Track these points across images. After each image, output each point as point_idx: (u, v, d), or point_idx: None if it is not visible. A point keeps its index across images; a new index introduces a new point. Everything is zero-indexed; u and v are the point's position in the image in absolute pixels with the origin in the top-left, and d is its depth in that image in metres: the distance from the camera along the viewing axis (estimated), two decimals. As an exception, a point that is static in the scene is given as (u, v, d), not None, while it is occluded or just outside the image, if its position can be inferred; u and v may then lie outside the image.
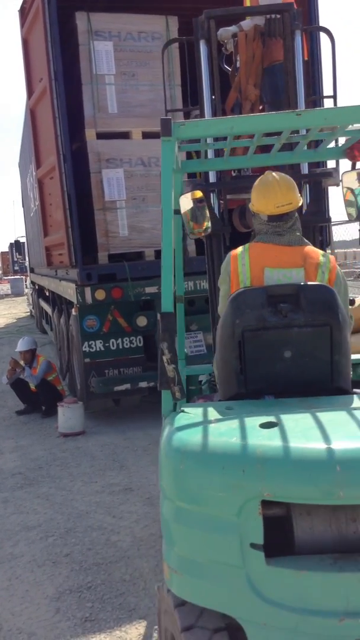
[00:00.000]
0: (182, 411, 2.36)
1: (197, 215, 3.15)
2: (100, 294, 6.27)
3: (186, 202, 3.18)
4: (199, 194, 3.16)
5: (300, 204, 2.83)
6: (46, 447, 6.16)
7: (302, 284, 2.56)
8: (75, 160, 6.37)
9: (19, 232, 56.41)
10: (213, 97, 3.98)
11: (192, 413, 2.33)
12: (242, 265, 2.69)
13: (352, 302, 4.80)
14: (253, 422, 2.10)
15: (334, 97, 4.84)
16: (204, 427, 2.16)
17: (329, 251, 7.36)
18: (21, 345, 7.61)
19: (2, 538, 4.22)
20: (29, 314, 20.37)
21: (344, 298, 2.67)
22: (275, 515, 1.94)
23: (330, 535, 1.93)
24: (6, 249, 36.44)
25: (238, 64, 4.30)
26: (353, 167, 3.19)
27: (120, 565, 3.69)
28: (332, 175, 3.68)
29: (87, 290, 6.24)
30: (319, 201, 3.86)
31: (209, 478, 1.98)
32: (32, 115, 7.82)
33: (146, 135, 6.56)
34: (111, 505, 4.58)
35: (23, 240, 20.94)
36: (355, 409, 2.22)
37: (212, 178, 3.82)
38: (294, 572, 1.86)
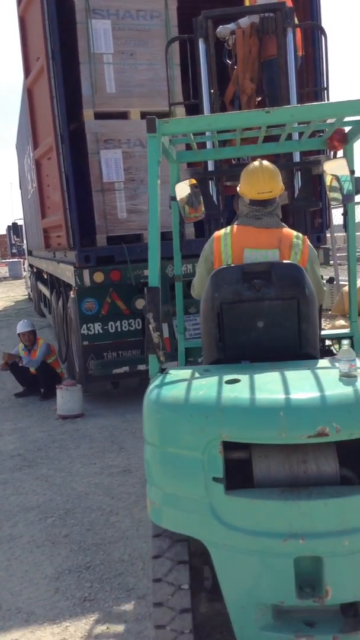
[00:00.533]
0: (167, 373, 2.76)
1: (193, 200, 3.47)
2: (99, 277, 6.24)
3: (181, 189, 3.48)
4: (193, 181, 3.49)
5: (281, 192, 3.14)
6: (45, 429, 6.17)
7: (273, 262, 2.91)
8: (73, 141, 6.30)
9: (16, 214, 56.08)
10: (212, 91, 4.27)
11: (175, 374, 2.74)
12: (224, 246, 3.05)
13: (331, 280, 5.03)
14: (221, 379, 2.51)
15: (326, 89, 5.23)
16: (180, 384, 2.58)
17: (328, 234, 7.36)
18: (21, 326, 7.60)
19: (1, 519, 4.24)
20: (27, 297, 20.33)
21: (315, 270, 3.09)
22: (239, 458, 2.37)
23: (284, 474, 2.32)
24: (4, 232, 36.25)
25: (236, 59, 4.57)
26: (334, 156, 3.50)
27: (119, 546, 3.72)
28: (320, 164, 3.82)
29: (86, 273, 6.21)
30: (308, 187, 4.15)
31: (179, 424, 2.40)
32: (29, 95, 7.72)
33: (145, 116, 6.42)
34: (110, 487, 4.60)
35: (21, 222, 20.80)
36: (311, 369, 2.58)
37: (210, 167, 4.18)
38: (248, 501, 2.28)
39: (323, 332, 3.57)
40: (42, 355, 7.39)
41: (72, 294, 6.77)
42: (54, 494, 4.56)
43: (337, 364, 2.50)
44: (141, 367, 6.43)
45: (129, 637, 2.89)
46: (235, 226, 3.12)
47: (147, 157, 2.91)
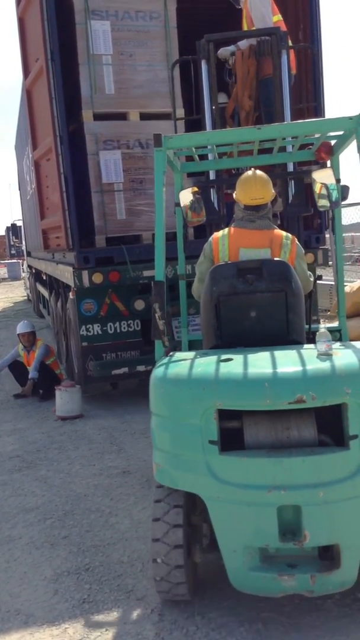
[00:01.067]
0: (171, 356, 3.15)
1: (195, 206, 3.80)
2: (98, 278, 6.23)
3: (185, 196, 3.82)
4: (196, 189, 3.85)
5: (272, 199, 3.55)
6: (44, 431, 6.16)
7: (264, 259, 3.32)
8: (72, 142, 6.30)
9: (15, 215, 56.08)
10: (213, 107, 4.74)
11: (177, 356, 3.14)
12: (222, 245, 3.46)
13: (319, 277, 5.45)
14: (216, 359, 2.92)
15: (318, 105, 5.88)
16: (182, 363, 2.99)
17: (327, 235, 7.43)
18: (21, 327, 7.60)
19: (0, 520, 4.23)
20: (26, 298, 20.32)
21: (301, 265, 3.50)
22: (233, 427, 2.77)
23: (270, 439, 2.74)
24: (2, 233, 36.23)
25: (236, 78, 5.07)
26: (323, 166, 3.89)
27: (118, 547, 3.71)
28: (309, 173, 4.16)
29: (85, 274, 6.20)
30: (301, 195, 4.58)
31: (180, 395, 2.82)
32: (28, 96, 7.72)
33: (144, 117, 6.48)
34: (109, 488, 4.59)
35: (20, 223, 20.81)
36: (294, 350, 2.99)
37: (212, 176, 4.67)
38: (239, 460, 2.70)
39: (314, 326, 3.92)
40: (40, 356, 7.38)
41: (71, 295, 6.76)
42: (53, 495, 4.55)
43: (316, 345, 2.89)
44: (140, 368, 6.42)
45: (128, 639, 2.88)
46: (231, 228, 3.52)
47: (154, 167, 3.32)
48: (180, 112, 6.56)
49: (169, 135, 3.37)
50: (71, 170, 6.19)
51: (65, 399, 6.46)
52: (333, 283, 10.06)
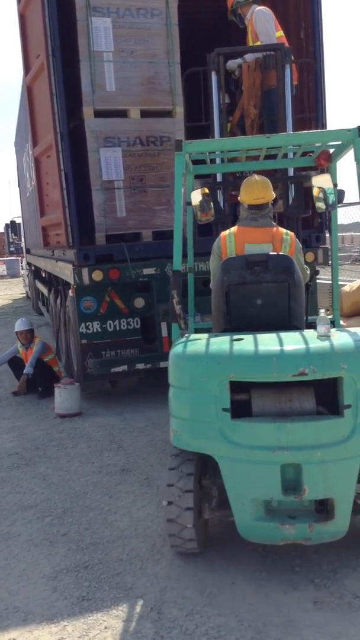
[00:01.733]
0: (186, 337, 3.55)
1: (204, 206, 4.17)
2: (98, 275, 6.21)
3: (196, 196, 4.19)
4: (206, 190, 4.22)
5: (273, 199, 3.97)
6: (43, 428, 6.15)
7: (270, 253, 3.73)
8: (73, 139, 6.27)
9: (14, 212, 55.97)
10: (221, 115, 5.12)
11: (192, 337, 3.54)
12: (229, 242, 3.90)
13: (317, 272, 5.79)
14: (228, 339, 3.32)
15: (319, 115, 6.22)
16: (197, 342, 3.42)
17: (328, 235, 7.47)
18: (19, 325, 7.59)
19: (-1, 517, 4.23)
20: (25, 295, 20.30)
21: (300, 259, 3.91)
22: (243, 399, 3.17)
23: (274, 409, 3.15)
24: (1, 230, 36.16)
25: (242, 88, 5.49)
26: (321, 172, 4.27)
27: (117, 545, 3.71)
28: (310, 178, 4.57)
29: (85, 271, 6.18)
30: (300, 197, 4.92)
31: (198, 369, 3.23)
32: (28, 92, 7.69)
33: (144, 114, 6.46)
34: (108, 486, 4.59)
35: (19, 220, 20.76)
36: (296, 333, 3.43)
37: (219, 178, 5.01)
38: (248, 424, 3.12)
39: (310, 318, 4.24)
40: (38, 354, 7.37)
41: (70, 293, 6.75)
42: (52, 493, 4.55)
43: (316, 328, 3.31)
44: (139, 366, 6.41)
45: (126, 637, 2.88)
46: (237, 227, 3.98)
47: (175, 169, 3.86)
48: (180, 110, 6.57)
49: (188, 141, 3.84)
50: (71, 167, 6.17)
51: (64, 396, 6.45)
52: (332, 282, 10.09)
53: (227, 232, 3.98)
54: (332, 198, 4.01)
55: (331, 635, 2.79)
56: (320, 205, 4.05)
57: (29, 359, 7.37)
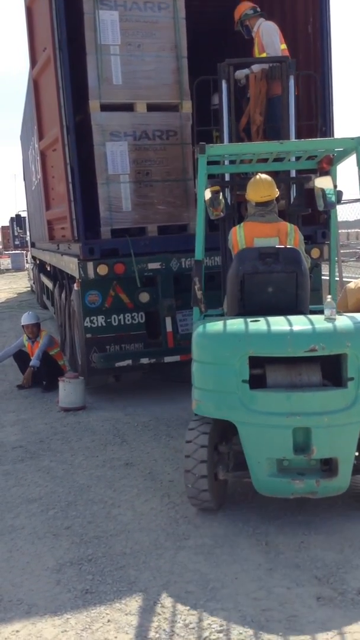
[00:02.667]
0: (205, 317, 4.15)
1: (215, 203, 4.51)
2: (103, 269, 6.20)
3: (207, 194, 4.50)
4: (216, 188, 4.59)
5: (277, 196, 4.49)
6: (47, 422, 6.17)
7: (280, 246, 4.26)
8: (79, 133, 6.26)
9: (20, 206, 55.98)
10: (230, 122, 5.46)
11: (212, 320, 4.04)
12: (239, 236, 4.39)
13: (318, 265, 6.84)
14: (245, 320, 3.81)
15: (326, 122, 6.49)
16: (219, 322, 3.94)
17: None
18: (26, 319, 7.60)
19: (3, 510, 4.24)
20: (29, 289, 20.32)
21: (302, 252, 4.32)
22: (260, 373, 3.65)
23: (286, 382, 3.64)
24: (7, 224, 36.19)
25: (248, 95, 5.93)
26: (324, 174, 4.62)
27: (121, 539, 3.71)
28: (310, 179, 5.04)
29: (90, 265, 6.18)
30: (301, 197, 5.34)
31: (221, 345, 3.75)
32: (35, 85, 7.68)
33: (151, 108, 6.44)
34: (112, 480, 4.60)
35: (24, 214, 20.76)
36: (305, 316, 3.89)
37: (227, 178, 5.32)
38: (264, 394, 3.61)
39: (311, 307, 4.57)
40: (44, 347, 7.38)
41: (75, 287, 6.75)
42: (56, 486, 4.56)
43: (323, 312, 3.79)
44: (144, 360, 6.41)
45: (130, 630, 2.89)
46: (245, 223, 4.47)
47: (198, 170, 4.36)
48: (187, 104, 6.55)
49: (210, 144, 4.37)
50: (77, 161, 6.15)
51: (69, 390, 6.46)
52: (337, 279, 10.08)
53: (237, 227, 4.43)
54: (331, 198, 4.44)
55: (334, 631, 2.79)
56: (321, 203, 4.44)
57: (35, 352, 7.39)
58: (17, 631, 2.95)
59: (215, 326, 3.89)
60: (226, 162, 5.04)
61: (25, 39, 7.78)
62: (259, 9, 6.40)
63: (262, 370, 3.67)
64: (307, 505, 3.97)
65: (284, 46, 6.21)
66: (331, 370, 3.67)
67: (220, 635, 2.80)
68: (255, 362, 3.63)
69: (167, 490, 4.35)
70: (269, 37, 6.13)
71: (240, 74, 5.80)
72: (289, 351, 3.57)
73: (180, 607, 3.03)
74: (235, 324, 3.84)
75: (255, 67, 5.87)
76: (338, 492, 3.66)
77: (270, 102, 5.91)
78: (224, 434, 3.88)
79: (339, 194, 4.58)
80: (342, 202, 5.06)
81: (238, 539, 3.62)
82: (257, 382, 3.63)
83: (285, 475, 3.60)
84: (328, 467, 3.64)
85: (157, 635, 2.83)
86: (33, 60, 7.59)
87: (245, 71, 5.89)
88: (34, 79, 7.67)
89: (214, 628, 2.85)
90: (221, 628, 2.84)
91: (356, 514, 3.85)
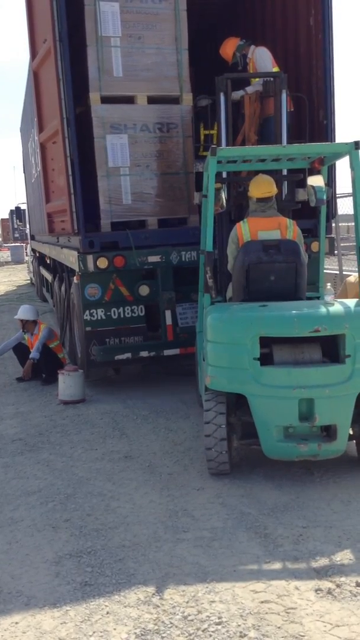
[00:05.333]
0: (217, 306, 4.61)
1: (216, 198, 4.84)
2: (103, 262, 6.19)
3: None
4: (218, 185, 4.94)
5: (276, 193, 4.96)
6: (46, 414, 6.17)
7: (281, 239, 4.77)
8: (79, 125, 6.23)
9: (19, 198, 55.83)
10: (228, 135, 5.86)
11: (223, 305, 4.69)
12: (244, 230, 4.84)
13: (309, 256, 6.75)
14: (254, 305, 4.33)
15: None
16: (231, 307, 4.51)
17: (334, 224, 7.56)
18: (21, 313, 7.58)
19: (2, 502, 4.25)
20: (29, 281, 20.30)
21: (301, 244, 4.83)
22: (267, 353, 4.15)
23: (291, 359, 4.17)
24: (6, 216, 36.10)
25: (242, 111, 6.27)
26: (317, 173, 5.13)
27: (120, 531, 3.72)
28: (299, 177, 5.74)
29: (90, 258, 6.16)
30: (291, 193, 5.94)
31: (234, 327, 4.22)
32: (35, 77, 7.63)
33: (151, 100, 6.42)
34: (111, 472, 4.61)
35: (24, 207, 20.70)
36: (307, 302, 4.59)
37: (224, 175, 5.67)
38: (273, 369, 4.13)
39: (307, 294, 5.05)
40: (43, 339, 7.37)
41: (75, 280, 6.74)
42: (55, 479, 4.57)
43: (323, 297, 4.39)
44: (143, 353, 6.41)
45: (128, 622, 2.90)
46: (249, 218, 4.91)
47: (209, 170, 4.79)
48: (187, 97, 6.52)
49: (221, 147, 4.98)
50: (77, 154, 6.13)
51: (68, 383, 6.46)
52: (337, 272, 10.07)
53: (241, 223, 4.87)
54: (322, 195, 4.83)
55: (332, 624, 2.80)
56: (313, 200, 4.83)
57: (35, 345, 7.38)
58: (16, 623, 2.96)
59: (229, 310, 4.39)
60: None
61: (25, 30, 7.74)
62: (245, 40, 6.71)
63: (269, 350, 4.15)
64: (305, 498, 3.98)
65: (276, 69, 6.45)
66: (329, 349, 4.20)
67: (219, 627, 2.81)
68: (263, 342, 4.10)
69: (166, 483, 4.36)
70: (263, 62, 6.47)
71: (236, 95, 6.14)
72: (296, 332, 4.07)
73: (178, 599, 3.04)
74: (247, 308, 4.32)
75: (250, 89, 6.26)
76: (336, 454, 4.16)
77: (264, 121, 6.27)
78: (232, 407, 4.32)
79: (328, 192, 5.14)
80: (343, 195, 5.66)
81: (237, 532, 3.63)
82: (265, 360, 4.12)
83: (291, 441, 4.10)
84: (327, 433, 4.17)
85: (156, 627, 2.84)
86: (33, 52, 7.54)
87: (241, 92, 6.23)
88: (34, 70, 7.63)
89: (212, 620, 2.86)
90: (219, 620, 2.85)
91: (355, 506, 3.86)
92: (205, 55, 8.79)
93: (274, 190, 4.87)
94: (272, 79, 6.05)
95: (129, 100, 6.39)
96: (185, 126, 6.51)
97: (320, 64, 6.59)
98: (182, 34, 6.42)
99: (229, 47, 6.77)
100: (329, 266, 10.65)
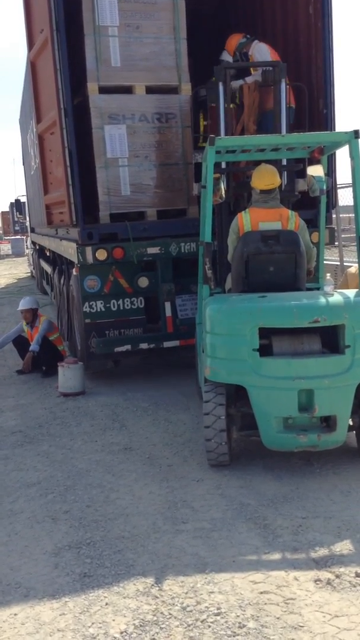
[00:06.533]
0: (215, 297, 4.60)
1: (215, 189, 4.84)
2: (102, 254, 6.16)
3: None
4: (216, 175, 4.93)
5: (279, 184, 4.91)
6: (46, 407, 6.17)
7: (280, 230, 4.69)
8: (77, 116, 6.19)
9: (19, 191, 55.71)
10: (226, 123, 5.79)
11: (221, 296, 4.64)
12: (245, 220, 4.79)
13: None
14: (253, 296, 4.31)
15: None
16: (229, 298, 4.47)
17: (334, 215, 7.55)
18: (23, 304, 7.58)
19: (2, 494, 4.25)
20: (29, 274, 20.28)
21: (305, 236, 4.81)
22: (267, 344, 4.13)
23: (290, 350, 4.15)
24: (7, 209, 36.04)
25: (243, 106, 6.24)
26: (316, 163, 5.20)
27: (119, 523, 3.72)
28: (299, 168, 5.79)
29: (88, 250, 6.14)
30: (291, 183, 5.86)
31: (234, 318, 4.19)
32: (32, 68, 7.58)
33: (150, 90, 6.37)
34: (111, 464, 4.60)
35: (24, 199, 20.65)
36: (306, 292, 4.57)
37: (223, 165, 5.63)
38: (272, 360, 4.11)
39: (307, 285, 5.03)
40: (43, 332, 7.36)
41: (74, 272, 6.72)
42: (55, 471, 4.56)
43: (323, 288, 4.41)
44: (143, 345, 6.40)
45: (127, 613, 2.90)
46: (251, 209, 4.87)
47: (207, 160, 4.78)
48: (186, 86, 6.47)
49: (219, 137, 4.86)
50: (75, 145, 6.08)
51: (68, 375, 6.45)
52: (338, 263, 10.04)
53: (242, 213, 4.83)
54: (322, 185, 4.87)
55: (331, 614, 2.79)
56: (314, 189, 4.87)
57: (35, 337, 7.37)
58: (15, 614, 2.96)
59: (228, 301, 4.36)
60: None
61: (22, 20, 7.67)
62: (249, 35, 6.62)
63: (268, 341, 4.13)
64: (305, 489, 3.98)
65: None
66: (328, 340, 4.19)
67: (218, 618, 2.81)
68: (262, 333, 4.07)
69: (166, 474, 4.36)
70: (261, 57, 6.41)
71: (235, 84, 6.09)
72: (296, 322, 4.05)
73: (177, 590, 3.03)
74: (246, 299, 4.29)
75: (249, 79, 6.21)
76: (336, 445, 4.15)
77: (263, 115, 6.23)
78: (231, 398, 4.28)
79: (328, 181, 5.13)
80: (344, 185, 5.65)
81: (236, 523, 3.62)
82: (264, 351, 4.10)
83: (291, 431, 4.09)
84: (326, 423, 4.15)
85: (155, 618, 2.84)
86: (30, 42, 7.49)
87: (240, 82, 6.16)
88: (31, 61, 7.57)
89: (211, 611, 2.86)
90: (218, 611, 2.85)
91: (354, 497, 3.85)
92: (204, 45, 8.73)
93: (277, 181, 4.82)
94: (271, 68, 5.95)
95: (127, 90, 6.34)
96: (184, 116, 6.46)
97: (319, 53, 6.53)
98: (181, 23, 6.36)
99: (231, 43, 6.70)
100: (331, 257, 10.63)
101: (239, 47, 6.61)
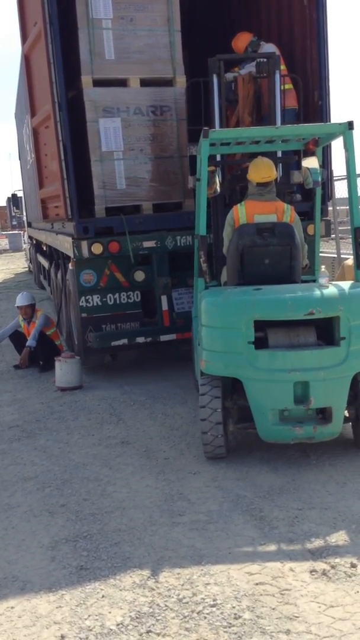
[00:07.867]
0: (211, 290, 4.63)
1: (210, 182, 4.92)
2: (97, 248, 6.15)
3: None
4: (211, 168, 4.95)
5: (276, 177, 4.88)
6: (44, 401, 6.17)
7: (275, 222, 4.68)
8: (71, 109, 6.16)
9: (16, 185, 55.64)
10: (221, 117, 5.77)
11: (217, 289, 4.67)
12: (241, 213, 4.77)
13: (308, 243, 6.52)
14: (248, 289, 4.31)
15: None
16: (225, 291, 4.49)
17: (330, 208, 7.54)
18: (20, 300, 7.56)
19: (-1, 489, 4.26)
20: (27, 269, 20.24)
21: (299, 229, 4.84)
22: (262, 336, 4.13)
23: (285, 343, 4.16)
24: (3, 204, 35.94)
25: (238, 98, 6.26)
26: (311, 155, 5.23)
27: (116, 516, 3.73)
28: (295, 160, 5.77)
29: (84, 244, 6.12)
30: (286, 175, 5.73)
31: (229, 311, 4.20)
32: (26, 61, 7.55)
33: (144, 83, 6.34)
34: (108, 458, 4.61)
35: (20, 194, 20.61)
36: (301, 285, 4.55)
37: (218, 158, 5.59)
38: (268, 353, 4.12)
39: (302, 277, 5.07)
40: (40, 327, 7.36)
41: (70, 266, 6.70)
42: (52, 465, 4.57)
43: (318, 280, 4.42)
44: (140, 339, 6.39)
45: (124, 605, 2.91)
46: (247, 201, 4.84)
47: (202, 153, 4.73)
48: (181, 79, 6.45)
49: (213, 129, 4.88)
50: (70, 138, 6.06)
51: (65, 370, 6.46)
52: (335, 256, 10.03)
53: (238, 205, 4.80)
54: (317, 177, 4.91)
55: (327, 605, 2.81)
56: (309, 181, 4.91)
57: (32, 332, 7.37)
58: (12, 607, 2.97)
59: (223, 294, 4.38)
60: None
61: (16, 13, 7.64)
62: (257, 37, 6.68)
63: (263, 333, 4.13)
64: (301, 480, 3.99)
65: (283, 67, 6.26)
66: (324, 332, 4.20)
67: (214, 609, 2.82)
68: (257, 326, 4.08)
69: (163, 467, 4.36)
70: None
71: (229, 76, 6.09)
72: (291, 315, 4.08)
73: (174, 582, 3.05)
74: (241, 292, 4.30)
75: (243, 71, 6.24)
76: (332, 437, 4.17)
77: (283, 113, 6.14)
78: (227, 391, 4.30)
79: (323, 173, 5.11)
80: (340, 177, 5.61)
81: (232, 515, 3.64)
82: (259, 343, 4.10)
83: (287, 424, 4.10)
84: (322, 415, 4.16)
85: (151, 610, 2.85)
86: (24, 36, 7.46)
87: (234, 74, 6.20)
88: (25, 54, 7.55)
89: (207, 602, 2.87)
90: (214, 602, 2.86)
91: (350, 488, 3.86)
92: (200, 39, 8.69)
93: (273, 174, 4.80)
94: (265, 59, 5.95)
95: (122, 83, 6.31)
96: (179, 109, 6.44)
97: (314, 44, 6.51)
98: (175, 15, 6.33)
99: (241, 42, 6.70)
100: (328, 250, 10.61)
101: (252, 45, 6.61)
